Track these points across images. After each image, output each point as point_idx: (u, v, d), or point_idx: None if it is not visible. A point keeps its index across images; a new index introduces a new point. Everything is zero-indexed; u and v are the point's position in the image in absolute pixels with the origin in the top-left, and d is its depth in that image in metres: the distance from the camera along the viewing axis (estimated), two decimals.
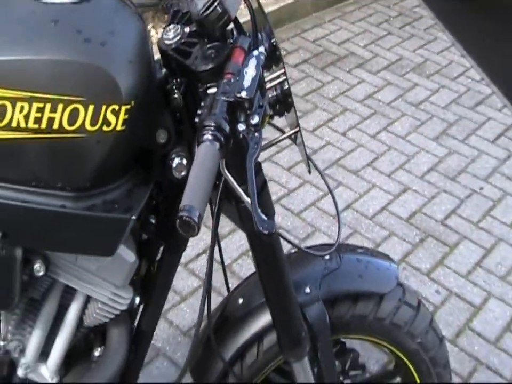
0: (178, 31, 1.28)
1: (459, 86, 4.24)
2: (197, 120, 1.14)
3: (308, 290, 1.57)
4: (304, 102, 3.93)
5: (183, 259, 2.72)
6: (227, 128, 1.09)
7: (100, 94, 1.14)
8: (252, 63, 1.18)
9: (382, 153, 3.63)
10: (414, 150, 3.68)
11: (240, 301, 1.61)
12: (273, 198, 3.24)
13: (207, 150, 1.05)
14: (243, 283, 1.67)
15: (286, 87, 1.32)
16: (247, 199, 1.10)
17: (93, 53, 1.14)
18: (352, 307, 1.63)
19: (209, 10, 1.17)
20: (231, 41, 1.25)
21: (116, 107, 1.15)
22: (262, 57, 1.22)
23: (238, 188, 1.16)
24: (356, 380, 1.76)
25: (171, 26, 1.30)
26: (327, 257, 1.62)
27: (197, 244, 2.87)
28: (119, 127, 1.16)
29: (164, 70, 1.28)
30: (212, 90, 1.20)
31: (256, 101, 1.14)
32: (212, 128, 1.07)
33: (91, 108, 1.13)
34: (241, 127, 1.12)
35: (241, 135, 1.11)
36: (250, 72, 1.16)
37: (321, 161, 3.50)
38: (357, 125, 3.84)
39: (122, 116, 1.15)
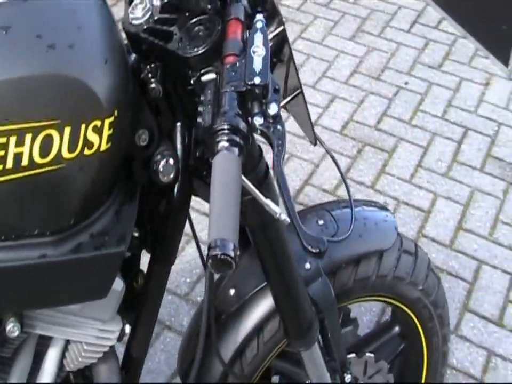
0: (147, 6, 1.07)
1: None
2: (200, 120, 0.95)
3: (307, 266, 1.40)
4: None
5: None
6: (244, 126, 0.90)
7: (77, 112, 0.93)
8: (258, 38, 0.96)
9: (302, 63, 3.47)
10: (333, 54, 3.54)
11: (232, 292, 1.43)
12: None
13: (225, 160, 0.87)
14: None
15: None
16: (276, 209, 0.94)
17: (61, 61, 0.92)
18: (354, 272, 1.50)
19: None
20: (218, 11, 1.04)
21: (98, 123, 0.94)
22: (265, 27, 1.00)
23: (265, 199, 0.96)
24: (348, 338, 1.67)
25: (137, 1, 1.08)
26: (321, 222, 1.46)
27: None
28: (103, 147, 0.96)
29: (133, 56, 1.08)
30: (209, 77, 1.01)
31: (271, 86, 0.93)
32: (226, 131, 0.88)
33: (67, 131, 0.92)
34: (258, 121, 0.92)
35: (259, 131, 0.92)
36: (259, 50, 0.94)
37: None
38: None
39: (106, 132, 0.96)
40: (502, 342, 2.38)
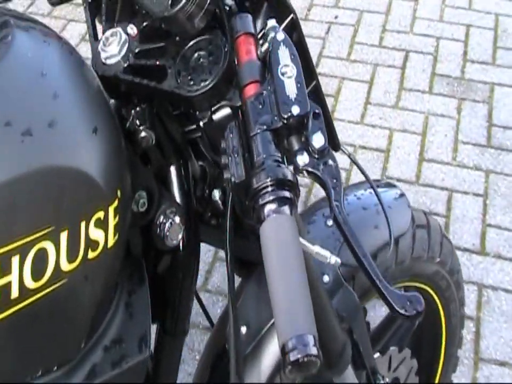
0: (123, 37, 0.86)
1: None
2: (227, 175, 0.75)
3: (326, 278, 1.22)
4: None
5: None
6: (290, 174, 0.70)
7: (73, 209, 0.74)
8: (284, 54, 0.77)
9: None
10: None
11: (243, 330, 1.21)
12: None
13: (278, 227, 0.68)
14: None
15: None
16: (326, 254, 0.80)
17: (43, 148, 0.72)
18: None
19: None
20: (217, 28, 0.84)
21: (101, 215, 0.75)
22: (287, 37, 0.79)
23: (313, 247, 0.80)
24: None
25: (108, 33, 0.87)
26: (330, 222, 1.24)
27: None
28: (111, 242, 0.78)
29: (111, 101, 0.88)
30: (223, 113, 0.84)
31: (311, 112, 0.75)
32: (270, 188, 0.69)
33: (64, 237, 0.72)
34: (302, 160, 0.73)
35: (305, 173, 0.74)
36: (288, 70, 0.75)
37: None
38: None
39: (112, 222, 0.77)
40: (489, 271, 2.34)
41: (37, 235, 0.71)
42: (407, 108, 2.85)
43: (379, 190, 1.41)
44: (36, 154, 0.71)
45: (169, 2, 0.80)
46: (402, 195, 1.44)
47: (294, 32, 0.93)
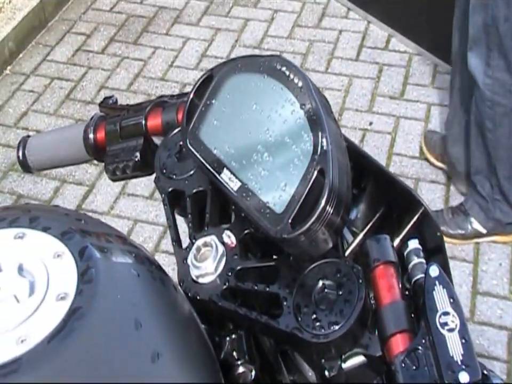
0: (219, 250, 0.72)
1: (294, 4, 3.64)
2: None
3: None
4: (133, 95, 3.18)
5: None
6: None
7: None
8: (440, 296, 0.63)
9: None
10: None
11: None
12: None
13: None
14: None
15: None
16: None
17: None
18: None
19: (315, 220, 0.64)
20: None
21: None
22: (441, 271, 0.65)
23: None
24: None
25: (200, 242, 0.74)
26: None
27: None
28: None
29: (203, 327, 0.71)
30: (355, 361, 0.66)
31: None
32: None
33: None
34: None
35: None
36: (449, 320, 0.61)
37: None
38: None
39: None
40: None
41: None
42: None
43: None
44: None
45: (289, 220, 0.66)
46: None
47: (426, 228, 0.76)
